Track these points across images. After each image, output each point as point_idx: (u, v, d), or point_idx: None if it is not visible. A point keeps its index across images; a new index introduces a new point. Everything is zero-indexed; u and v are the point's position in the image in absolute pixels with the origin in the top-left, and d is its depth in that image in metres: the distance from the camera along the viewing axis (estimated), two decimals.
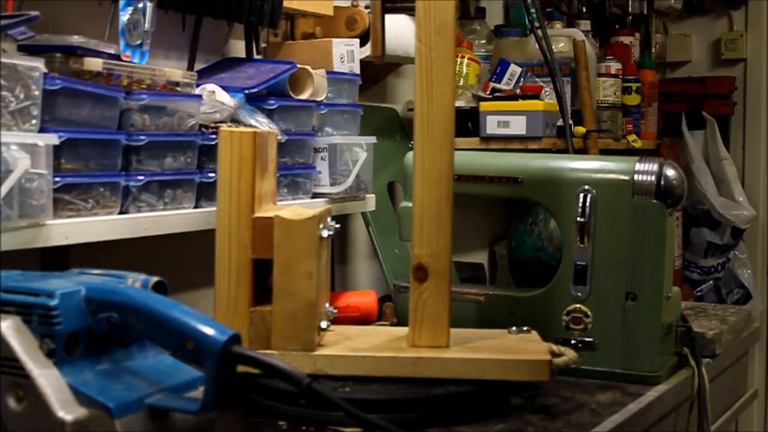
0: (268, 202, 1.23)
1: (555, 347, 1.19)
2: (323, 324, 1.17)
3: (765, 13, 3.39)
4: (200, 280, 1.68)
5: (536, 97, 2.13)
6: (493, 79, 2.33)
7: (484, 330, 1.25)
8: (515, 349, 1.16)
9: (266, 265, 1.16)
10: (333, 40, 1.74)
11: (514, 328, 1.23)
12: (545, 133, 2.10)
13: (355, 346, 1.17)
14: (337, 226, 1.22)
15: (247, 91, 1.49)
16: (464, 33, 2.40)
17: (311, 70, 1.62)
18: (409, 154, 1.40)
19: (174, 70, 1.37)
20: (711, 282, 3.26)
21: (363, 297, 1.70)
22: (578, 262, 1.32)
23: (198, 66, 1.60)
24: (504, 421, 1.10)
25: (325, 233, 1.16)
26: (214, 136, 1.40)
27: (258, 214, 1.15)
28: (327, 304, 1.22)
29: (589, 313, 1.31)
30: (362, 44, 1.80)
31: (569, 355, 1.17)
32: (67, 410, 0.82)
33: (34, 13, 1.15)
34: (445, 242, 1.15)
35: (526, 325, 1.33)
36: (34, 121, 1.11)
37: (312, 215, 1.14)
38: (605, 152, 2.46)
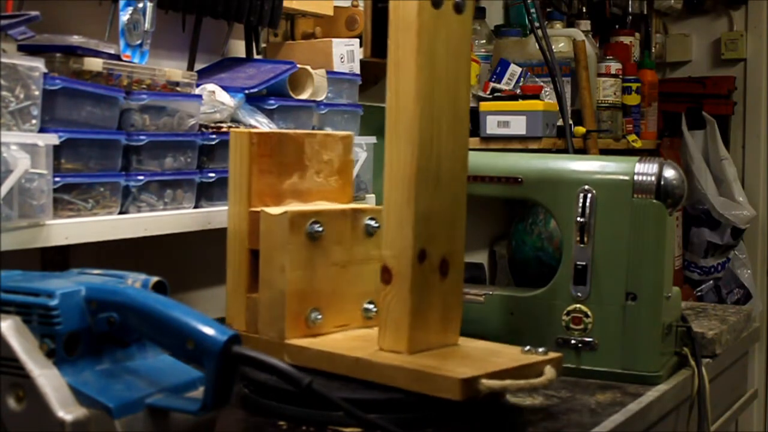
0: (307, 200, 1.27)
1: (541, 366, 1.10)
2: (315, 315, 1.20)
3: (765, 13, 3.39)
4: (200, 280, 1.68)
5: (536, 97, 2.13)
6: (493, 79, 2.33)
7: (495, 345, 1.19)
8: (456, 364, 1.09)
9: None
10: (333, 40, 1.74)
11: (528, 347, 1.14)
12: (545, 133, 2.10)
13: (329, 342, 1.19)
14: (376, 225, 1.24)
15: (247, 91, 1.49)
16: None
17: (311, 70, 1.62)
18: None
19: (174, 70, 1.37)
20: (711, 282, 3.26)
21: None
22: (578, 262, 1.32)
23: (198, 66, 1.60)
24: (504, 421, 1.10)
25: (314, 229, 1.19)
26: (214, 136, 1.40)
27: (253, 209, 1.22)
28: (367, 302, 1.25)
29: (589, 313, 1.31)
30: (362, 44, 1.80)
31: (537, 379, 1.06)
32: (67, 410, 0.82)
33: (34, 13, 1.15)
34: (407, 244, 1.12)
35: (526, 324, 1.33)
36: (34, 121, 1.11)
37: (284, 211, 1.19)
38: (605, 152, 2.47)
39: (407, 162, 1.12)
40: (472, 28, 1.17)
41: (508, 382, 1.04)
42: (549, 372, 1.08)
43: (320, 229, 1.20)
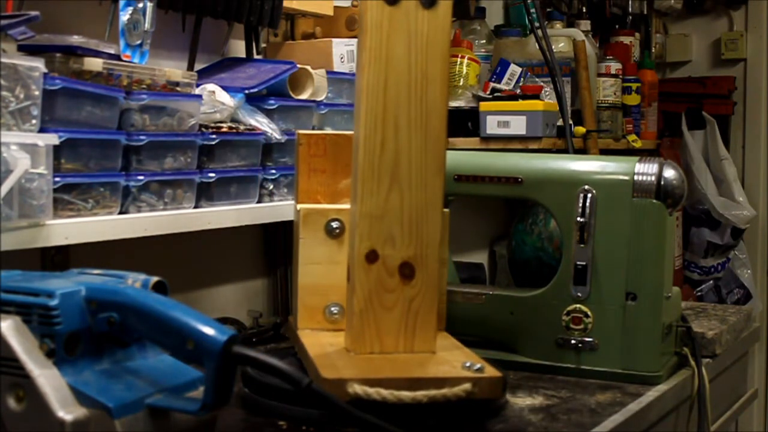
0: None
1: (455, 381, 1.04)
2: (332, 309, 1.24)
3: (765, 13, 3.39)
4: (200, 280, 1.68)
5: (536, 97, 2.13)
6: (493, 79, 2.32)
7: (458, 355, 1.15)
8: (362, 367, 1.09)
9: None
10: (333, 40, 1.74)
11: (469, 363, 1.09)
12: (545, 133, 2.09)
13: (323, 336, 1.22)
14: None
15: (247, 91, 1.49)
16: (464, 33, 2.40)
17: (311, 70, 1.61)
18: None
19: (174, 70, 1.37)
20: (711, 282, 3.26)
21: None
22: (578, 262, 1.32)
23: (198, 66, 1.60)
24: (504, 421, 1.10)
25: (332, 227, 1.24)
26: (214, 136, 1.40)
27: (299, 205, 1.30)
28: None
29: (589, 313, 1.31)
30: None
31: (409, 393, 1.01)
32: (67, 410, 0.82)
33: (34, 13, 1.15)
34: (355, 244, 1.11)
35: (526, 324, 1.33)
36: (34, 121, 1.11)
37: (300, 207, 1.25)
38: (605, 152, 2.46)
39: (355, 160, 1.11)
40: (449, 22, 1.11)
41: (374, 390, 1.01)
42: (452, 390, 1.03)
43: (337, 226, 1.21)
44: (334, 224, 1.24)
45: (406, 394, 1.01)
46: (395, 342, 1.13)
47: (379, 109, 1.10)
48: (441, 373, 1.07)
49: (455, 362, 1.11)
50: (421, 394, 1.01)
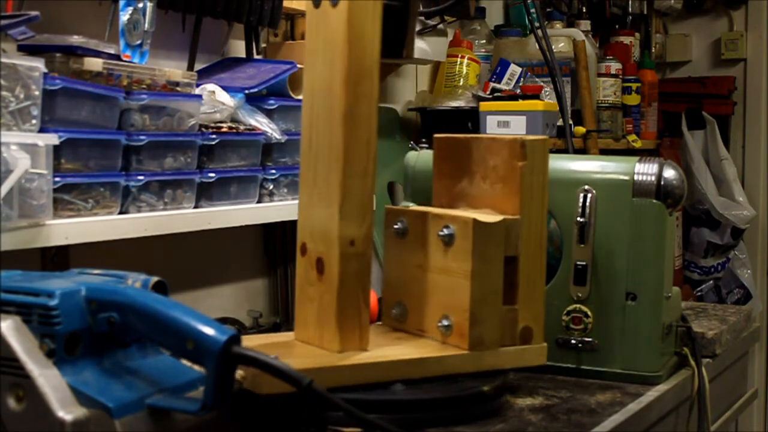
0: (474, 207, 1.23)
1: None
2: (396, 310, 1.23)
3: (765, 13, 3.39)
4: (200, 280, 1.68)
5: (536, 97, 2.13)
6: (493, 79, 2.33)
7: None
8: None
9: None
10: None
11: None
12: (545, 133, 2.09)
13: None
14: (447, 233, 1.16)
15: (247, 91, 1.50)
16: (464, 33, 2.40)
17: None
18: (410, 154, 1.40)
19: (174, 70, 1.37)
20: (711, 282, 3.26)
21: None
22: (578, 262, 1.32)
23: (198, 66, 1.60)
24: (504, 421, 1.10)
25: (397, 227, 1.21)
26: (214, 136, 1.40)
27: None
28: (443, 317, 1.17)
29: (589, 313, 1.31)
30: None
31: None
32: (67, 410, 0.82)
33: (34, 13, 1.15)
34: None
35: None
36: (34, 121, 1.11)
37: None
38: (605, 152, 2.47)
39: None
40: (345, 15, 1.07)
41: None
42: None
43: (399, 227, 1.21)
44: (399, 226, 1.22)
45: None
46: (313, 334, 1.14)
47: (309, 111, 1.13)
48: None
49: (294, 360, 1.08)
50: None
